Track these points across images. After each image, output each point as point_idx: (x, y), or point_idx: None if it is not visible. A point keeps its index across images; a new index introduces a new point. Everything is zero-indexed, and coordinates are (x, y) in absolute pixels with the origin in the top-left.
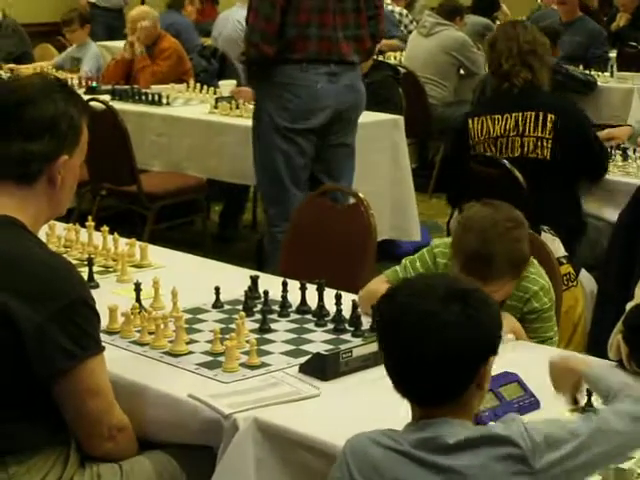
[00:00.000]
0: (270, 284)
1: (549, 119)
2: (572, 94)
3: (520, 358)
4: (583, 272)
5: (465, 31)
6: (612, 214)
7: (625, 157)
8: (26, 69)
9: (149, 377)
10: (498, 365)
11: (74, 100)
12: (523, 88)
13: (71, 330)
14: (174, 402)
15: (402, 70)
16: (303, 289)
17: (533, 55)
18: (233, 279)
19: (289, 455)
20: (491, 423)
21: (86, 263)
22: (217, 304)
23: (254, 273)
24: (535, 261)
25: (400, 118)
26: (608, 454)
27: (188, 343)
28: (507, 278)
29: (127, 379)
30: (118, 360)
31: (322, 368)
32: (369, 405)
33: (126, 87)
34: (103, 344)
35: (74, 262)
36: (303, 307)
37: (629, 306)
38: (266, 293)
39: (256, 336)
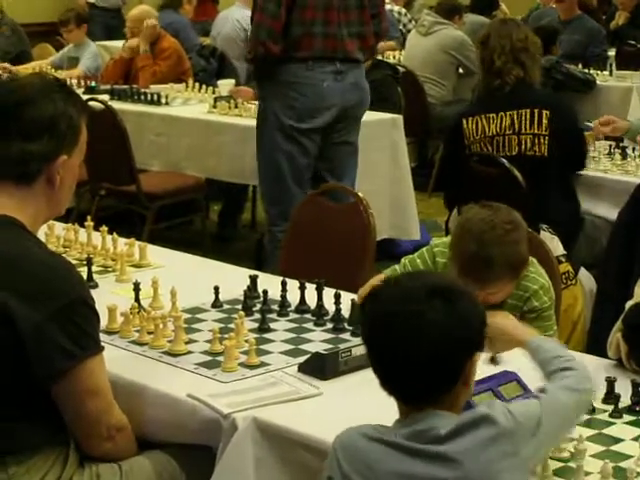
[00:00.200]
0: (269, 284)
1: (544, 115)
2: (571, 93)
3: (519, 357)
4: (582, 271)
5: (464, 30)
6: (611, 213)
7: (624, 156)
8: (24, 69)
9: (148, 377)
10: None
11: (73, 100)
12: (515, 86)
13: (70, 330)
14: (173, 402)
15: (401, 69)
16: (302, 288)
17: (525, 53)
18: (232, 279)
19: (288, 454)
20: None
21: (85, 263)
22: (216, 304)
23: (253, 273)
24: (535, 260)
25: (399, 117)
26: (563, 428)
27: (187, 343)
28: (506, 280)
29: (126, 379)
30: (117, 360)
31: (321, 367)
32: (368, 404)
33: (125, 87)
34: (102, 344)
35: (73, 262)
36: (302, 306)
37: (628, 305)
38: (265, 293)
39: (255, 336)
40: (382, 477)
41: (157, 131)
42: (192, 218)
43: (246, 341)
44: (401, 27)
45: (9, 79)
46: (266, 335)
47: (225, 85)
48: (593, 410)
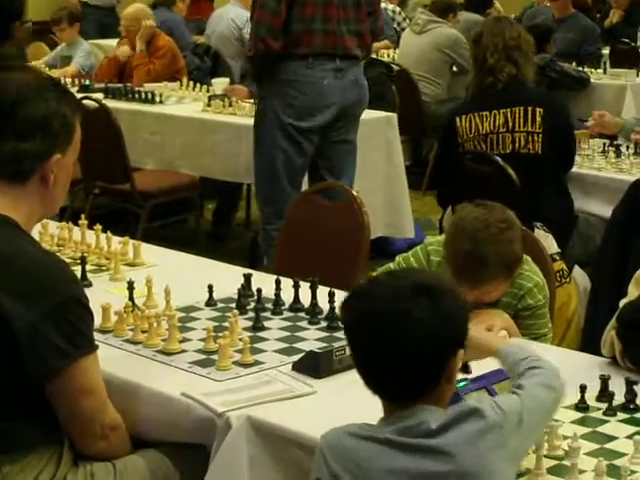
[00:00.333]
0: (263, 282)
1: (538, 113)
2: (565, 91)
3: None
4: (576, 269)
5: (458, 28)
6: (605, 211)
7: (618, 154)
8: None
9: (142, 376)
10: (491, 362)
11: (67, 99)
12: (508, 84)
13: (64, 328)
14: (167, 400)
15: (395, 67)
16: (296, 287)
17: (518, 51)
18: (226, 277)
19: (282, 453)
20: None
21: (79, 262)
22: (210, 302)
23: (247, 271)
24: (529, 258)
25: (393, 115)
26: (541, 423)
27: (181, 341)
28: (500, 279)
29: (120, 378)
30: (111, 359)
31: (315, 366)
32: (362, 403)
33: (119, 85)
34: (96, 343)
35: (67, 261)
36: (296, 305)
37: (622, 303)
38: (259, 291)
39: (249, 334)
40: (374, 475)
41: (151, 130)
42: (186, 217)
43: (240, 340)
44: (395, 25)
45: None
46: (260, 334)
47: (219, 84)
48: (587, 408)
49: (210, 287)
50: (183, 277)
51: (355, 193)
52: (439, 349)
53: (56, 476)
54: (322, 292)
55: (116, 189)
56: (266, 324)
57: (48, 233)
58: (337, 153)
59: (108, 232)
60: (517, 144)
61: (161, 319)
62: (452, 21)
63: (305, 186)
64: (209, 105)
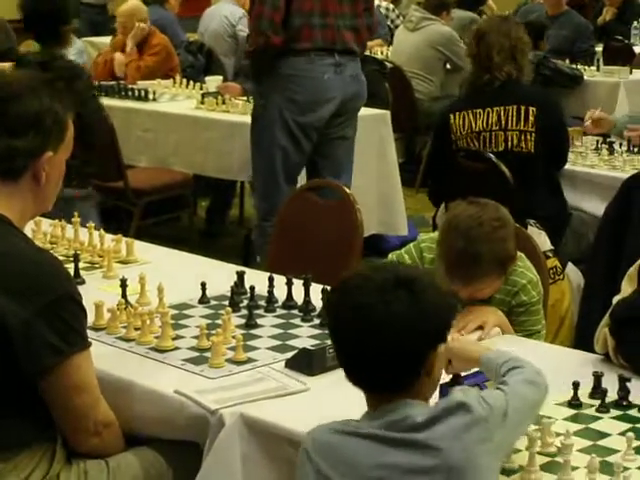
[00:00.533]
0: (256, 279)
1: (531, 112)
2: (558, 88)
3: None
4: (570, 266)
5: (452, 26)
6: (598, 208)
7: (611, 151)
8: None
9: (135, 373)
10: None
11: (59, 96)
12: (504, 82)
13: (58, 326)
14: (160, 398)
15: (388, 65)
16: (289, 284)
17: (521, 52)
18: (219, 275)
19: (275, 450)
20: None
21: (72, 259)
22: (203, 300)
23: (240, 268)
24: (523, 255)
25: (387, 113)
26: (525, 419)
27: (174, 339)
28: (494, 276)
29: (113, 375)
30: (104, 356)
31: (308, 363)
32: (355, 400)
33: (112, 83)
34: (89, 340)
35: (60, 258)
36: (289, 302)
37: (616, 299)
38: (252, 288)
39: (242, 331)
40: (364, 470)
41: (144, 127)
42: (179, 214)
43: (233, 337)
44: (389, 23)
45: None
46: (253, 331)
47: (213, 81)
48: (580, 405)
49: (203, 284)
50: (176, 274)
51: (348, 190)
52: (417, 343)
53: (49, 474)
54: (315, 289)
55: (109, 186)
56: (259, 321)
57: (41, 230)
58: (336, 151)
59: (101, 230)
60: (510, 142)
61: (154, 316)
62: (445, 18)
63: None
64: (202, 102)
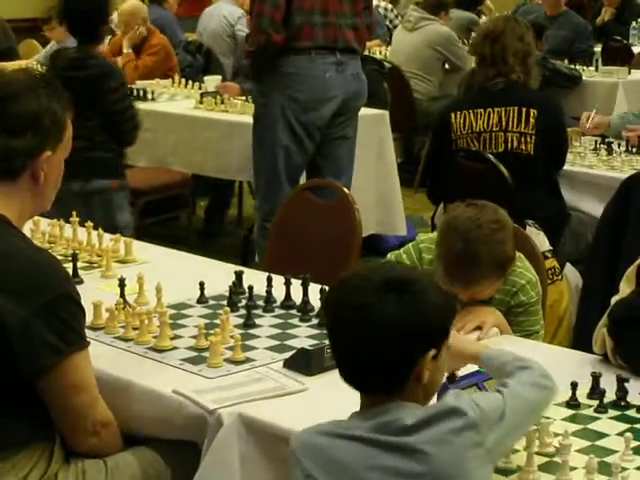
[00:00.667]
0: (255, 279)
1: (532, 114)
2: (557, 88)
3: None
4: (568, 266)
5: (450, 26)
6: (597, 208)
7: (610, 151)
8: (11, 66)
9: (133, 373)
10: None
11: (58, 96)
12: (509, 86)
13: (56, 325)
14: (158, 398)
15: (387, 65)
16: (288, 284)
17: (530, 56)
18: (218, 274)
19: (274, 450)
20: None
21: (70, 259)
22: (202, 299)
23: (239, 268)
24: (522, 255)
25: (385, 113)
26: (525, 421)
27: (172, 339)
28: (492, 279)
29: (111, 375)
30: (102, 356)
31: (307, 363)
32: (354, 400)
33: None
34: (87, 340)
35: (58, 258)
36: (288, 302)
37: (614, 300)
38: (250, 288)
39: (240, 331)
40: (354, 473)
41: (143, 127)
42: (178, 214)
43: (231, 337)
44: (387, 23)
45: None
46: (251, 331)
47: (211, 81)
48: (578, 405)
49: (202, 284)
50: (175, 274)
51: (346, 190)
52: (404, 347)
53: (47, 473)
54: (313, 289)
55: None
56: (257, 321)
57: (39, 230)
58: (337, 151)
59: (99, 229)
60: (510, 144)
61: (152, 316)
62: (444, 18)
63: None
64: (201, 102)
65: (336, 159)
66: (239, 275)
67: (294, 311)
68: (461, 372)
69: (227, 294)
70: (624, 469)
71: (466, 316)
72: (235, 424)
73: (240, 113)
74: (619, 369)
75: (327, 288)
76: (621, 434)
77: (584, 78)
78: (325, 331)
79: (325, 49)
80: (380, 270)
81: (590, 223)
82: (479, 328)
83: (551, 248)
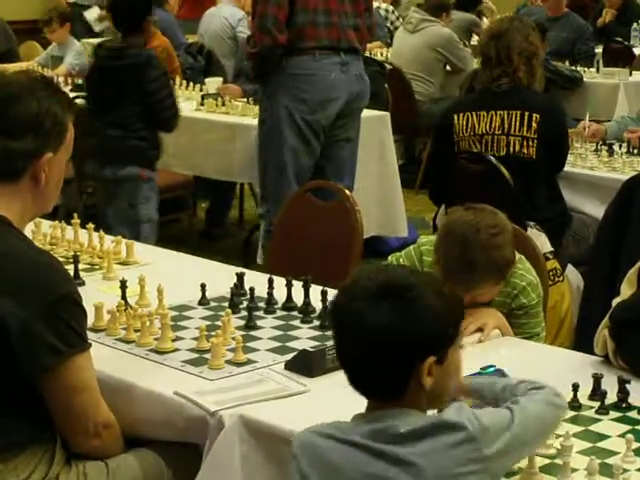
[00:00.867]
0: (256, 281)
1: (534, 119)
2: (558, 90)
3: (506, 353)
4: (570, 267)
5: (451, 27)
6: (598, 210)
7: (611, 153)
8: (12, 68)
9: (135, 375)
10: (484, 361)
11: (58, 98)
12: (513, 88)
13: (57, 326)
14: (160, 399)
15: (388, 66)
16: (289, 286)
17: (536, 57)
18: (219, 276)
19: (275, 452)
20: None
21: (72, 261)
22: (203, 301)
23: (240, 270)
24: (523, 257)
25: (386, 114)
26: (535, 438)
27: (174, 340)
28: (491, 283)
29: (113, 377)
30: (104, 358)
31: (308, 365)
32: (355, 402)
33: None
34: (89, 341)
35: (60, 259)
36: (289, 304)
37: (615, 302)
38: (252, 290)
39: (242, 333)
40: (346, 477)
41: None
42: (179, 216)
43: (233, 338)
44: (388, 24)
45: None
46: (253, 332)
47: (212, 83)
48: (580, 407)
49: (203, 286)
50: (176, 276)
51: (347, 192)
52: (398, 354)
53: (48, 475)
54: (315, 291)
55: None
56: (259, 323)
57: (41, 232)
58: (340, 153)
59: (101, 231)
60: (512, 148)
61: (154, 318)
62: (445, 20)
63: None
64: (202, 104)
65: (339, 161)
66: (240, 277)
67: (295, 313)
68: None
69: (228, 296)
70: (625, 470)
71: (467, 318)
72: (236, 426)
73: (241, 115)
74: (620, 371)
75: (328, 290)
76: (622, 436)
77: (585, 79)
78: (326, 333)
79: (329, 49)
80: (377, 276)
81: (592, 225)
82: (480, 330)
83: (552, 249)
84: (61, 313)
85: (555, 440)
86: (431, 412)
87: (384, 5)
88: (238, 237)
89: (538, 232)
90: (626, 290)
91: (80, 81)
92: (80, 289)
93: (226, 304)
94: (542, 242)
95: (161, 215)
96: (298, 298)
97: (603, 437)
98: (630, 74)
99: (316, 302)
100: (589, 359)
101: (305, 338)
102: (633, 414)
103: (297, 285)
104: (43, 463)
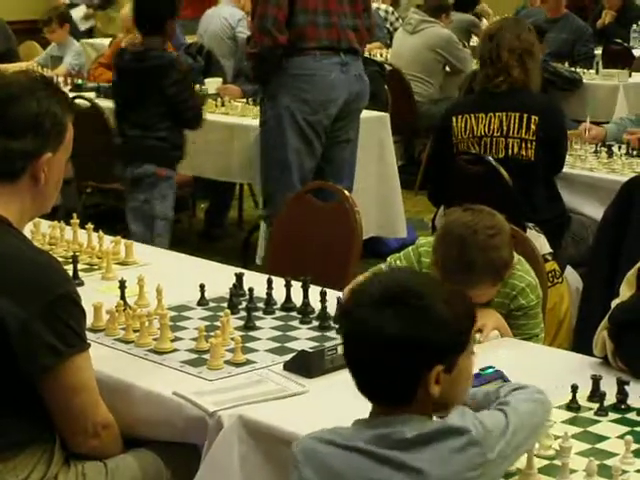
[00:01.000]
0: (255, 281)
1: (533, 121)
2: (558, 91)
3: (505, 354)
4: (569, 269)
5: (451, 28)
6: (598, 211)
7: (610, 154)
8: (12, 68)
9: (134, 375)
10: (483, 362)
11: (58, 98)
12: (510, 88)
13: (56, 326)
14: (159, 400)
15: (388, 67)
16: (288, 286)
17: (530, 56)
18: (218, 276)
19: (274, 452)
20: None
21: (71, 261)
22: (202, 301)
23: (239, 270)
24: (522, 258)
25: (386, 115)
26: (529, 436)
27: (173, 341)
28: (488, 284)
29: (112, 377)
30: (103, 358)
31: (307, 365)
32: (354, 402)
33: (111, 84)
34: (88, 341)
35: (59, 260)
36: (288, 304)
37: (614, 303)
38: (251, 290)
39: (241, 333)
40: None
41: None
42: (179, 216)
43: (232, 339)
44: (388, 25)
45: None
46: (252, 333)
47: (212, 83)
48: (579, 408)
49: (202, 286)
50: (175, 276)
51: (347, 193)
52: (404, 363)
53: (47, 475)
54: (314, 292)
55: (108, 188)
56: (258, 323)
57: (40, 232)
58: (340, 154)
59: (100, 231)
60: (511, 150)
61: (153, 318)
62: (445, 21)
63: None
64: (202, 105)
65: (339, 163)
66: (239, 277)
67: (294, 313)
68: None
69: (227, 296)
70: (624, 472)
71: None
72: (235, 426)
73: (241, 115)
74: (619, 372)
75: (327, 290)
76: (621, 437)
77: (585, 81)
78: (325, 333)
79: (329, 50)
80: (384, 281)
81: (591, 226)
82: (479, 331)
83: (551, 251)
84: (60, 313)
85: (554, 441)
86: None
87: (384, 6)
88: (237, 237)
89: (537, 233)
90: (625, 291)
91: (80, 81)
92: (79, 289)
93: (225, 304)
94: (541, 243)
95: None
96: (297, 299)
97: (602, 438)
98: (629, 75)
99: (315, 303)
100: (588, 360)
101: (304, 339)
102: (632, 415)
103: (296, 286)
104: (42, 463)
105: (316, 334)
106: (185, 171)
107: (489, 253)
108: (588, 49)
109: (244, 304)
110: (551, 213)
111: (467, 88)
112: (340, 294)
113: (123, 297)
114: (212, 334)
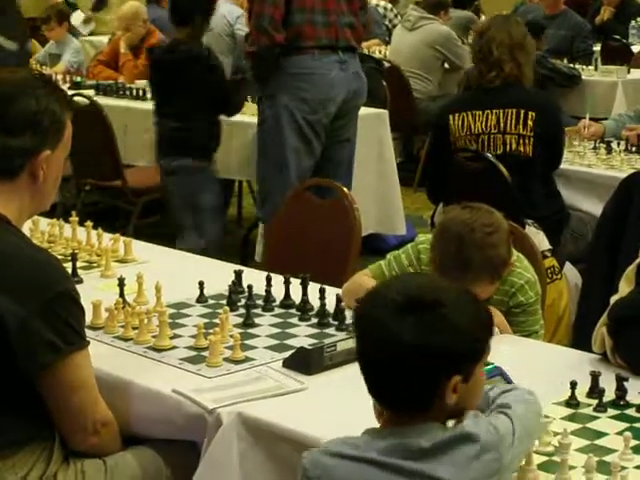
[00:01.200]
0: (254, 278)
1: (530, 117)
2: (556, 88)
3: (504, 351)
4: (568, 265)
5: (450, 25)
6: (596, 207)
7: (609, 150)
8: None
9: (133, 372)
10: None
11: (57, 96)
12: (504, 83)
13: (55, 324)
14: (158, 397)
15: (386, 64)
16: (287, 283)
17: (521, 50)
18: (217, 274)
19: (273, 449)
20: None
21: (70, 258)
22: (201, 299)
23: (238, 268)
24: (521, 255)
25: (385, 112)
26: (529, 438)
27: (172, 338)
28: (486, 281)
29: (111, 374)
30: (102, 355)
31: (306, 362)
32: (353, 399)
33: (110, 82)
34: (87, 339)
35: (58, 257)
36: (287, 301)
37: (613, 299)
38: (250, 287)
39: (240, 331)
40: None
41: (142, 126)
42: None
43: (231, 336)
44: (387, 22)
45: None
46: (251, 330)
47: None
48: (578, 404)
49: (201, 284)
50: (174, 274)
51: (346, 190)
52: (422, 371)
53: (46, 473)
54: (313, 289)
55: (107, 186)
56: (257, 320)
57: (39, 230)
58: (339, 154)
59: (99, 229)
60: (508, 146)
61: (152, 316)
62: (443, 18)
63: None
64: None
65: (338, 162)
66: (238, 274)
67: (293, 310)
68: None
69: (226, 293)
70: (623, 468)
71: None
72: (234, 423)
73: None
74: (618, 368)
75: (326, 287)
76: (620, 433)
77: (583, 77)
78: (324, 330)
79: (327, 48)
80: (406, 286)
81: (590, 222)
82: None
83: (550, 247)
84: (59, 310)
85: (553, 437)
86: None
87: (382, 3)
88: (236, 235)
89: (536, 230)
90: (624, 288)
91: (79, 79)
92: (78, 287)
93: (224, 302)
94: (540, 240)
95: (159, 213)
96: (296, 296)
97: (601, 435)
98: (628, 72)
99: (314, 300)
100: (587, 357)
101: (303, 336)
102: (631, 412)
103: (295, 283)
104: (41, 461)
105: (315, 331)
106: None
107: (486, 251)
108: (587, 45)
109: (243, 301)
110: (550, 209)
111: (466, 85)
112: (339, 291)
113: (122, 295)
114: (211, 331)
